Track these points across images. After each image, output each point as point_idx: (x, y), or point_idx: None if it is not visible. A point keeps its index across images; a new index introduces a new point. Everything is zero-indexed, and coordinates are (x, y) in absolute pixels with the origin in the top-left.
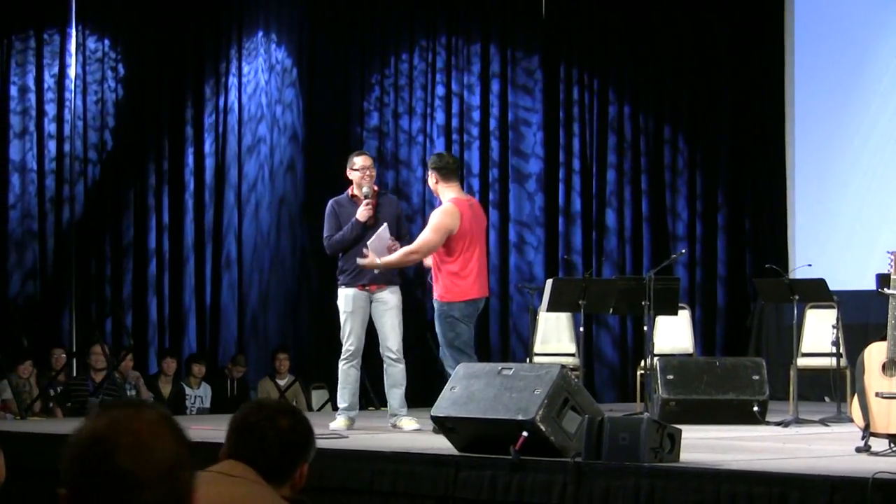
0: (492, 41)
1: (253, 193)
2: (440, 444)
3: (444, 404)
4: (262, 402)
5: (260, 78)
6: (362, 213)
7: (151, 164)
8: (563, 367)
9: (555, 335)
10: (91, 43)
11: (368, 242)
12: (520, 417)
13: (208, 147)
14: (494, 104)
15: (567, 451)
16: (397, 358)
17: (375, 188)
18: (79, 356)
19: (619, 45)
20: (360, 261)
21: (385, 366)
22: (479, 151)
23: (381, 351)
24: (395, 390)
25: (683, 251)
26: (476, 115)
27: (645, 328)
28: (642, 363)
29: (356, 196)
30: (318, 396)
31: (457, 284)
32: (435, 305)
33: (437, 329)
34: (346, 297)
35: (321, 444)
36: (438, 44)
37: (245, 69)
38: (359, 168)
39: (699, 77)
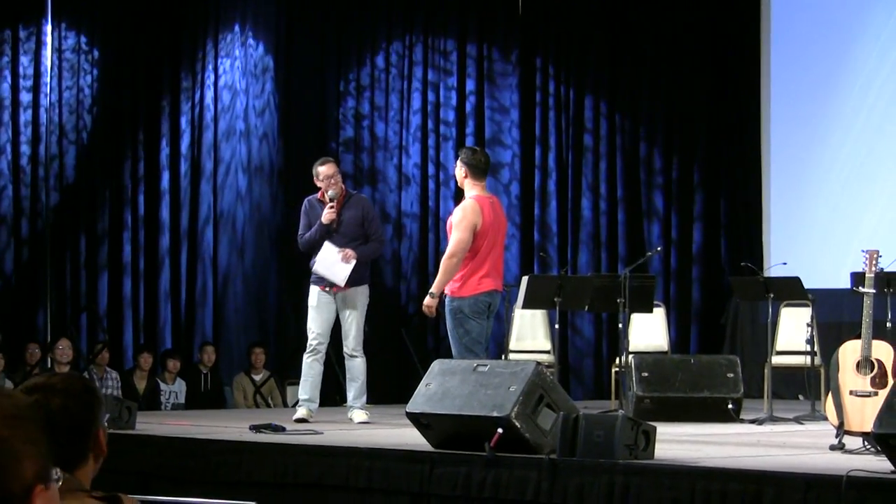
0: (468, 38)
1: (229, 188)
2: (415, 440)
3: (420, 401)
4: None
5: (236, 73)
6: (325, 216)
7: (127, 158)
8: (538, 364)
9: (530, 332)
10: (67, 38)
11: (316, 269)
12: (495, 414)
13: (184, 142)
14: (470, 101)
15: (542, 447)
16: (353, 352)
17: (343, 190)
18: (52, 351)
19: (596, 43)
20: (426, 310)
21: (345, 360)
22: (453, 148)
23: (345, 349)
24: (353, 384)
25: (659, 249)
26: (451, 112)
27: (620, 326)
28: (617, 361)
29: (323, 199)
30: (293, 392)
31: (468, 280)
32: (445, 301)
33: (447, 326)
34: (313, 293)
35: (297, 440)
36: (415, 39)
37: (221, 64)
38: (322, 179)
39: (675, 75)
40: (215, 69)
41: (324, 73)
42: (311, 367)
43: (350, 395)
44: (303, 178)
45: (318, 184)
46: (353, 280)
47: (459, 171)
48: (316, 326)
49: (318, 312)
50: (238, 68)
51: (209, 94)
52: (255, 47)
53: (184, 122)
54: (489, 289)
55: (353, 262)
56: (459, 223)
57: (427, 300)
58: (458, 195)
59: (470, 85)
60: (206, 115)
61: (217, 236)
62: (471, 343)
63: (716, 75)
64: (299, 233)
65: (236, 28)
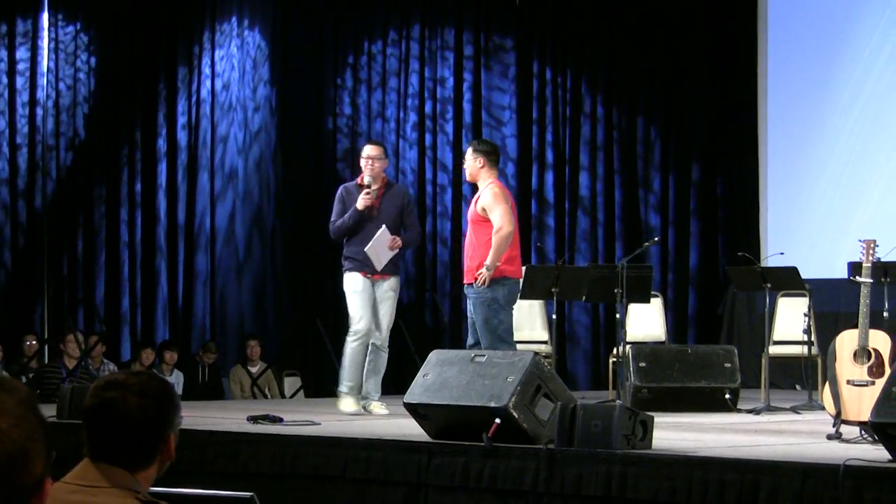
0: (465, 26)
1: (226, 180)
2: (413, 430)
3: (417, 391)
4: (105, 385)
5: (234, 63)
6: (360, 202)
7: (124, 150)
8: (535, 354)
9: (528, 322)
10: (63, 29)
11: (367, 249)
12: (492, 404)
13: (181, 134)
14: (467, 89)
15: (540, 438)
16: (383, 345)
17: (384, 178)
18: (50, 343)
19: (594, 33)
20: (479, 280)
21: (370, 351)
22: (452, 136)
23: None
24: (375, 376)
25: (656, 239)
26: (448, 101)
27: (617, 316)
28: (615, 351)
29: (363, 184)
30: (290, 383)
31: (501, 267)
32: (474, 291)
33: (478, 315)
34: (355, 279)
35: (295, 431)
36: (412, 28)
37: (218, 54)
38: (364, 157)
39: (672, 65)
40: (212, 60)
41: (321, 63)
42: (359, 352)
43: (370, 386)
44: (300, 168)
45: (361, 162)
46: (391, 269)
47: (474, 161)
48: (363, 311)
49: (363, 297)
50: (235, 59)
51: (206, 85)
52: (251, 38)
53: (180, 113)
54: (520, 276)
55: (397, 250)
56: (494, 200)
57: (484, 273)
58: (456, 183)
59: (467, 73)
60: (203, 107)
61: (214, 228)
62: (505, 333)
63: (713, 65)
64: (332, 219)
65: (233, 19)
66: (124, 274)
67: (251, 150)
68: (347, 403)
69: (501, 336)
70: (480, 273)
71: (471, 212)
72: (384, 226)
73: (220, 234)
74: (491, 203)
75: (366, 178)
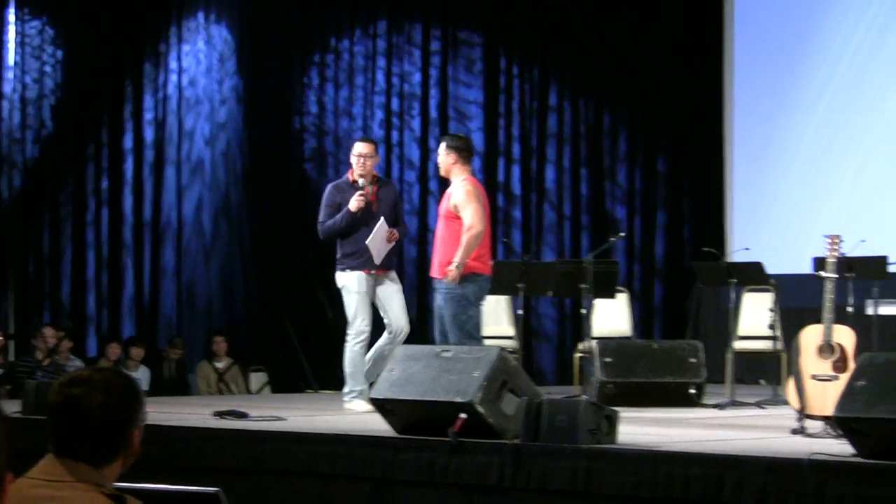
0: (433, 22)
1: (193, 174)
2: (379, 426)
3: (383, 386)
4: (69, 381)
5: (200, 58)
6: (353, 203)
7: (91, 144)
8: (501, 349)
9: (494, 318)
10: (29, 24)
11: (368, 241)
12: (458, 399)
13: (147, 129)
14: (434, 84)
15: (505, 432)
16: (403, 338)
17: (374, 175)
18: (17, 339)
19: (560, 27)
20: (449, 277)
21: (387, 342)
22: (419, 131)
23: (391, 328)
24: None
25: (622, 234)
26: (416, 96)
27: (583, 311)
28: (581, 346)
29: (356, 181)
30: (256, 379)
31: (471, 263)
32: (443, 286)
33: (447, 312)
34: (358, 278)
35: (261, 426)
36: (379, 23)
37: (185, 50)
38: (355, 154)
39: (639, 60)
40: (179, 55)
41: (288, 59)
42: (361, 354)
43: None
44: (267, 163)
45: (350, 159)
46: (388, 264)
47: (447, 157)
48: (364, 311)
49: (364, 298)
50: (202, 53)
51: (173, 81)
52: (218, 33)
53: (147, 109)
54: (489, 273)
55: (394, 243)
56: (467, 198)
57: (453, 271)
58: (423, 180)
59: (433, 68)
60: (171, 102)
61: (181, 223)
62: (473, 329)
63: (679, 61)
64: (320, 220)
65: (200, 14)
66: (90, 270)
67: (218, 144)
68: (358, 405)
69: (469, 332)
70: (449, 270)
71: (443, 207)
72: (382, 218)
73: (186, 228)
74: (463, 201)
75: (357, 176)
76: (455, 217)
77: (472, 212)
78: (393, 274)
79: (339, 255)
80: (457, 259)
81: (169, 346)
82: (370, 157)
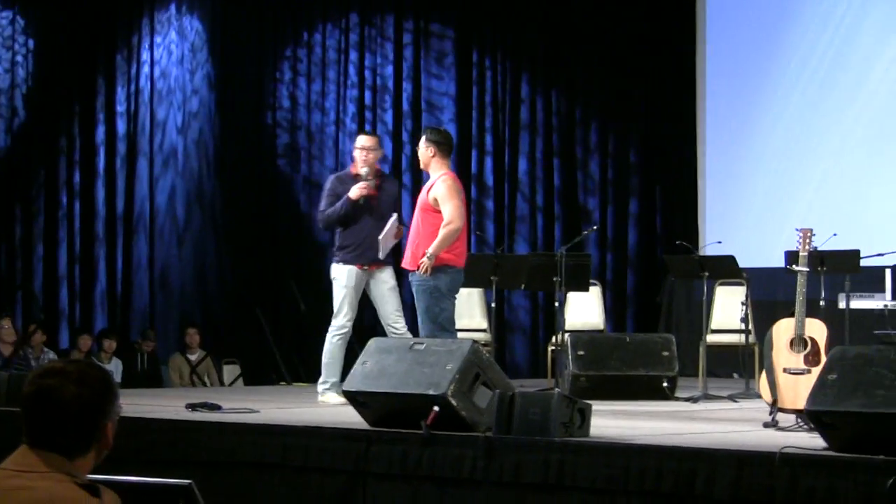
0: (405, 14)
1: (165, 166)
2: (352, 418)
3: (356, 379)
4: (43, 373)
5: (172, 49)
6: (355, 191)
7: (63, 136)
8: (474, 342)
9: (467, 311)
10: (1, 16)
11: (381, 237)
12: (431, 392)
13: (120, 120)
14: (407, 76)
15: (478, 425)
16: (403, 335)
17: (378, 169)
18: None
19: (533, 19)
20: (421, 269)
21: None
22: (391, 125)
23: (385, 328)
24: None
25: (595, 227)
26: (388, 88)
27: (556, 304)
28: (553, 339)
29: (358, 174)
30: (229, 371)
31: (444, 256)
32: (416, 277)
33: (420, 304)
34: (349, 273)
35: (233, 418)
36: (352, 14)
37: (157, 42)
38: (359, 147)
39: (611, 52)
40: (151, 46)
41: (260, 49)
42: (340, 347)
43: None
44: (239, 155)
45: (354, 153)
46: (385, 260)
47: (426, 150)
48: (349, 306)
49: (353, 293)
50: (174, 44)
51: (145, 72)
52: (190, 25)
53: (119, 100)
54: (462, 266)
55: (397, 240)
56: (448, 193)
57: (425, 262)
58: (396, 173)
59: (407, 60)
60: (143, 94)
61: (153, 215)
62: (447, 322)
63: (652, 55)
64: (320, 209)
65: (172, 7)
66: (62, 261)
67: (190, 135)
68: (331, 397)
69: (442, 325)
70: (422, 262)
71: (421, 199)
72: (395, 215)
73: (159, 216)
74: (444, 196)
75: (363, 169)
76: (434, 210)
77: (452, 208)
78: (388, 271)
79: (334, 247)
80: (430, 250)
81: (141, 338)
82: (373, 151)
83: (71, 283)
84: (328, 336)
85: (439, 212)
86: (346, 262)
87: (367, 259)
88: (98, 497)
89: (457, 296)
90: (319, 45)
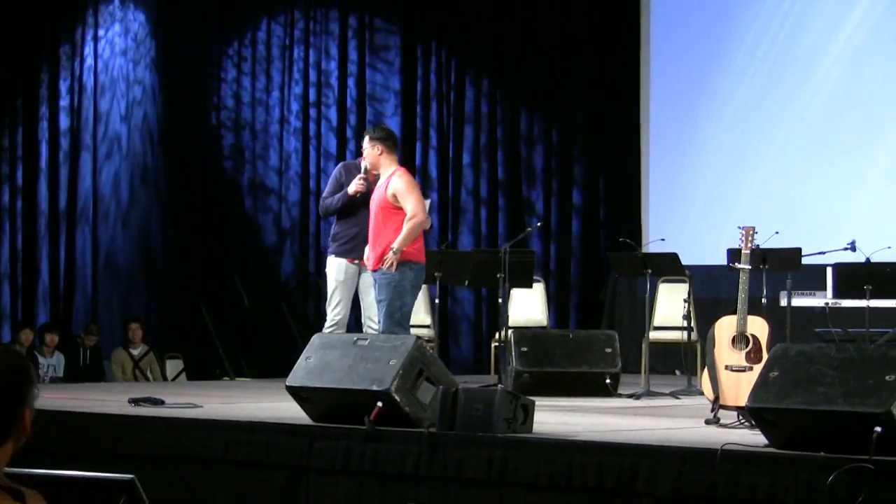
0: (350, 9)
1: (108, 160)
2: (295, 413)
3: (300, 374)
4: None
5: (116, 44)
6: (352, 186)
7: (5, 129)
8: (418, 338)
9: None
10: None
11: None
12: (375, 388)
13: (63, 113)
14: (352, 72)
15: (421, 421)
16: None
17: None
18: None
19: (478, 15)
20: (386, 264)
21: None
22: (335, 121)
23: (364, 321)
24: None
25: (538, 224)
26: (333, 84)
27: (500, 300)
28: (497, 335)
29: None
30: (172, 366)
31: (408, 251)
32: (380, 272)
33: (380, 297)
34: (339, 266)
35: (176, 413)
36: (297, 10)
37: (101, 33)
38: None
39: (556, 49)
40: (95, 39)
41: (205, 45)
42: None
43: None
44: (183, 150)
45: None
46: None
47: (373, 149)
48: (345, 301)
49: (345, 287)
50: (118, 36)
51: (88, 65)
52: (134, 19)
53: (62, 94)
54: (424, 261)
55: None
56: (407, 188)
57: (391, 256)
58: None
59: (352, 56)
60: (87, 87)
61: (97, 208)
62: (402, 318)
63: (596, 51)
64: (324, 195)
65: (116, 1)
66: (4, 255)
67: (134, 129)
68: None
69: (398, 321)
70: (387, 257)
71: (379, 197)
72: None
73: (102, 214)
74: (404, 191)
75: (363, 163)
76: (394, 207)
77: (414, 201)
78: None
79: (330, 237)
80: (396, 245)
81: (84, 332)
82: (366, 148)
83: (13, 280)
84: (323, 330)
85: (399, 208)
86: (337, 254)
87: (358, 254)
88: (22, 501)
89: (419, 292)
90: (263, 43)
